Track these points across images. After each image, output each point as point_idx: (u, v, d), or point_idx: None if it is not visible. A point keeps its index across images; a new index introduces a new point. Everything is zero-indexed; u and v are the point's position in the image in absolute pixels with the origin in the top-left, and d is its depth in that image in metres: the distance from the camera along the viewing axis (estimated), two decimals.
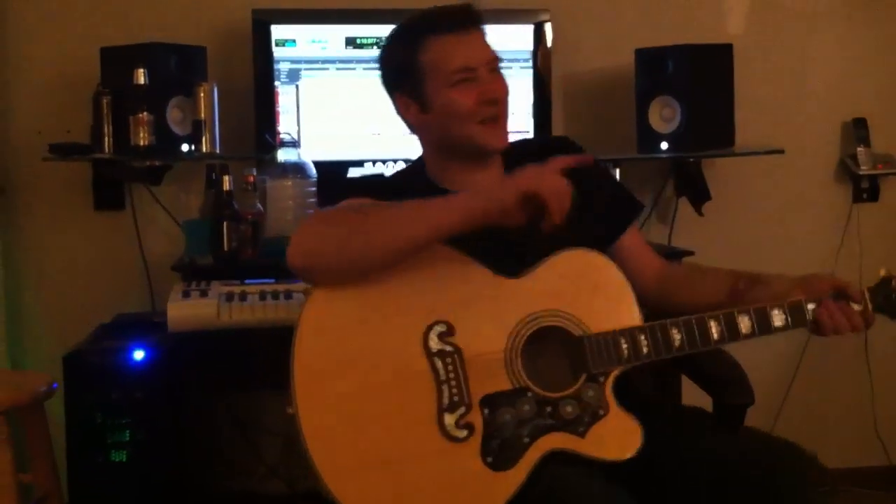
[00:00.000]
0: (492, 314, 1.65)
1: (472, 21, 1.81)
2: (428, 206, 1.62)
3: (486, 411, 1.61)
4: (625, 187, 2.05)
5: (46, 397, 2.36)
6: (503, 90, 1.81)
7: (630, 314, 1.69)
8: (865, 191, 3.29)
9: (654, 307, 1.82)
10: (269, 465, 3.02)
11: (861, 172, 3.23)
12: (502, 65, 1.82)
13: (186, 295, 2.36)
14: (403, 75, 1.82)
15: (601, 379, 1.65)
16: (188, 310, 2.32)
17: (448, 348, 1.62)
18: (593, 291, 1.69)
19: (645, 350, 1.66)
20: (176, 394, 2.43)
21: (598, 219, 1.86)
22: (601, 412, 1.64)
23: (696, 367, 1.95)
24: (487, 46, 1.82)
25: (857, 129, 3.24)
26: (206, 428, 2.82)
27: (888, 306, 1.79)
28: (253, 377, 2.66)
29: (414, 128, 1.87)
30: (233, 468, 2.99)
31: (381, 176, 1.92)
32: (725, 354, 1.93)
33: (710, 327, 1.68)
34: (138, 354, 2.37)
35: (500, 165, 1.86)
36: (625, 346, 1.66)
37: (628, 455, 1.61)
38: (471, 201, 1.60)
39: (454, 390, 1.61)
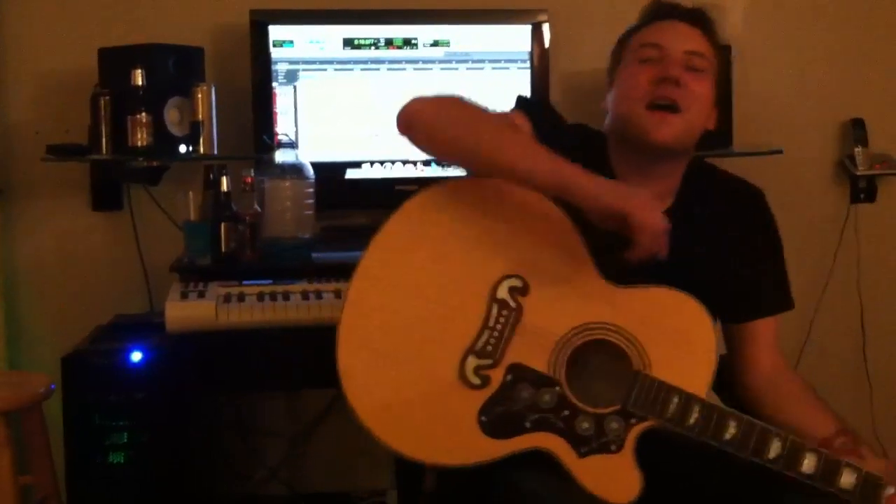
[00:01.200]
0: (570, 301, 1.60)
1: (692, 16, 1.76)
2: (530, 149, 1.57)
3: (509, 377, 1.58)
4: (786, 277, 1.90)
5: (45, 398, 2.36)
6: (688, 82, 1.69)
7: (698, 383, 1.58)
8: (863, 191, 3.29)
9: (743, 400, 1.76)
10: (269, 468, 3.02)
11: (859, 173, 3.23)
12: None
13: (185, 296, 2.36)
14: (613, 57, 1.82)
15: (633, 420, 1.57)
16: (186, 311, 2.32)
17: (512, 303, 1.59)
18: (677, 340, 1.60)
19: (692, 421, 1.55)
20: (174, 395, 2.42)
21: (743, 295, 1.80)
22: (613, 448, 1.56)
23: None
24: (694, 40, 1.73)
25: (855, 130, 3.24)
26: (205, 429, 2.81)
27: None
28: (252, 378, 2.66)
29: (606, 110, 1.80)
30: (232, 470, 2.98)
31: (574, 132, 1.82)
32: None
33: (770, 444, 1.55)
34: (136, 355, 2.37)
35: (676, 181, 1.78)
36: (675, 404, 1.56)
37: (607, 499, 1.54)
38: (566, 173, 1.53)
39: (492, 340, 1.58)
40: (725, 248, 1.77)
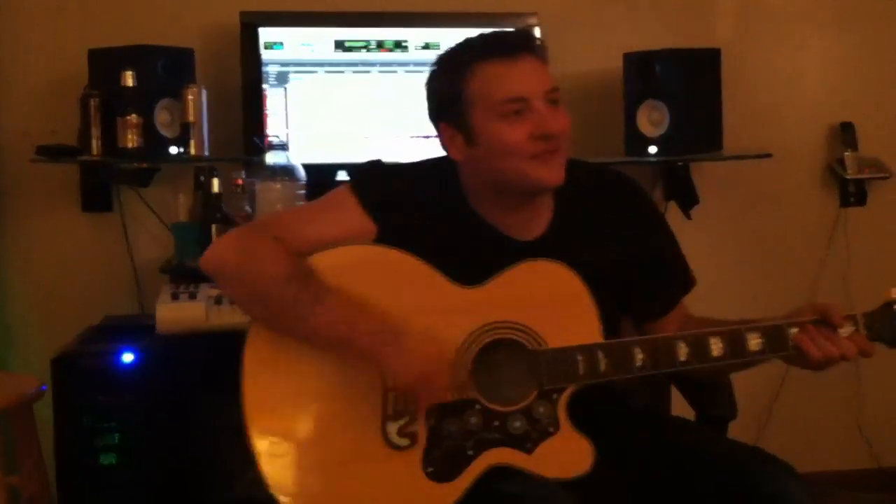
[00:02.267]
0: (444, 324, 1.59)
1: (525, 46, 1.65)
2: (329, 320, 1.56)
3: (431, 422, 1.59)
4: (682, 257, 1.85)
5: (35, 400, 2.35)
6: (561, 124, 1.64)
7: (591, 330, 1.62)
8: (853, 195, 3.30)
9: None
10: (257, 469, 3.01)
11: (848, 176, 3.24)
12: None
13: (175, 297, 2.36)
14: (449, 104, 1.67)
15: (554, 396, 1.60)
16: (177, 312, 2.32)
17: None
18: (554, 305, 1.62)
19: (602, 367, 1.59)
20: (165, 396, 2.42)
21: (649, 292, 1.79)
22: (551, 429, 1.60)
23: (681, 377, 1.91)
24: (544, 75, 1.65)
25: (845, 134, 3.25)
26: (194, 430, 2.80)
27: (887, 334, 1.63)
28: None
29: (459, 161, 1.71)
30: (222, 471, 2.97)
31: (420, 170, 1.77)
32: None
33: (677, 348, 1.61)
34: (127, 357, 2.36)
35: (549, 198, 1.74)
36: (581, 362, 1.59)
37: (573, 475, 1.57)
38: (374, 353, 1.56)
39: (399, 399, 1.59)
40: (614, 253, 1.75)
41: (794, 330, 1.61)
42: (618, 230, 1.76)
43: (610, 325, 1.68)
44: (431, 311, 1.60)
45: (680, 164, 3.05)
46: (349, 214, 1.70)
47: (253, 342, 1.63)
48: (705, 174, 3.16)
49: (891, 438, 3.32)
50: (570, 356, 1.60)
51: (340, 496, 1.58)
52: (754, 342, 1.61)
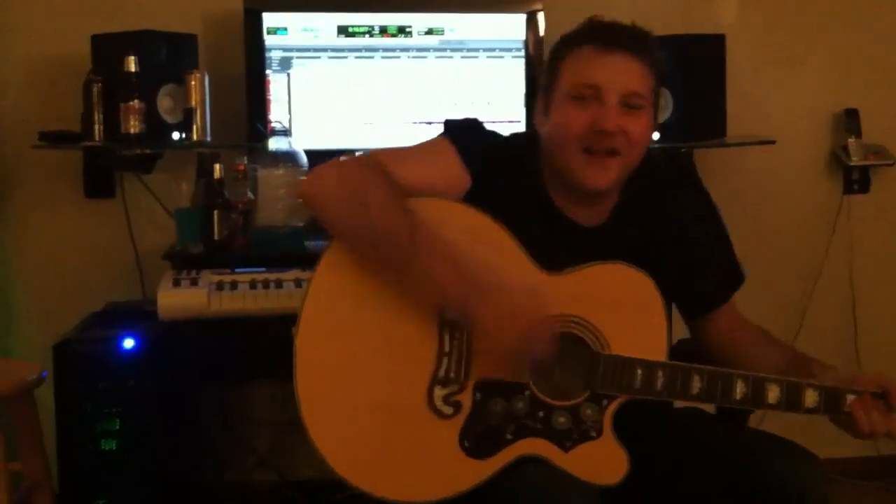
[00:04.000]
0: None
1: (627, 44, 1.66)
2: (435, 264, 1.54)
3: (478, 395, 1.58)
4: (733, 252, 1.86)
5: (36, 386, 2.36)
6: (625, 126, 1.63)
7: (657, 347, 1.61)
8: (856, 182, 3.30)
9: (710, 355, 1.77)
10: (259, 455, 3.02)
11: (852, 163, 3.23)
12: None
13: (177, 283, 2.36)
14: (548, 75, 1.72)
15: (605, 402, 1.59)
16: (178, 298, 2.32)
17: (463, 322, 1.58)
18: (627, 312, 1.61)
19: (659, 387, 1.59)
20: (166, 382, 2.42)
21: (699, 287, 1.79)
22: (593, 434, 1.59)
23: None
24: (632, 76, 1.65)
25: (849, 120, 3.24)
26: (196, 416, 2.81)
27: None
28: (243, 366, 2.66)
29: (541, 134, 1.74)
30: (223, 457, 2.99)
31: (503, 141, 1.77)
32: None
33: (735, 386, 1.60)
34: (128, 343, 2.36)
35: (614, 193, 1.74)
36: (640, 376, 1.59)
37: (602, 483, 1.57)
38: (465, 303, 1.53)
39: (453, 365, 1.58)
40: (672, 249, 1.76)
41: (852, 397, 1.60)
42: (675, 228, 1.77)
43: None
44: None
45: (683, 150, 3.04)
46: (449, 164, 1.69)
47: (326, 267, 1.61)
48: (709, 161, 3.15)
49: None
50: (631, 367, 1.59)
51: (372, 444, 1.57)
52: (811, 399, 1.60)
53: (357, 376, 1.58)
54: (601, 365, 1.59)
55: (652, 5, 3.16)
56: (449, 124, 1.77)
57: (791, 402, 1.60)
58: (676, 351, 1.67)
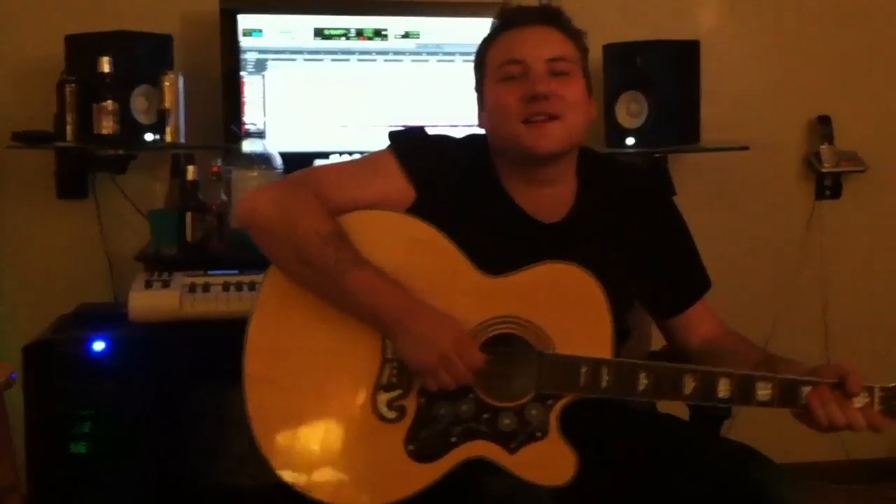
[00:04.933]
0: (457, 306, 1.59)
1: (539, 17, 1.72)
2: (362, 287, 1.56)
3: (422, 400, 1.59)
4: (699, 257, 1.87)
5: (6, 388, 2.33)
6: (557, 90, 1.65)
7: (602, 345, 1.60)
8: (829, 188, 3.32)
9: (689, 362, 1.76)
10: (235, 457, 3.01)
11: (824, 170, 3.26)
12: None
13: (149, 285, 2.34)
14: (477, 73, 1.77)
15: (550, 401, 1.59)
16: (150, 300, 2.30)
17: None
18: (569, 310, 1.61)
19: (604, 384, 1.57)
20: (137, 385, 2.41)
21: (663, 289, 1.80)
22: (539, 434, 1.58)
23: None
24: (552, 45, 1.69)
25: (822, 127, 3.27)
26: (168, 419, 2.79)
27: None
28: (216, 368, 2.64)
29: (486, 132, 1.76)
30: (197, 459, 2.97)
31: (453, 141, 1.78)
32: None
33: (684, 382, 1.58)
34: (99, 345, 2.34)
35: (572, 182, 1.76)
36: (584, 374, 1.57)
37: (550, 484, 1.56)
38: (386, 328, 1.57)
39: (395, 371, 1.59)
40: (632, 247, 1.77)
41: (807, 389, 1.57)
42: (636, 226, 1.78)
43: (623, 317, 1.68)
44: (448, 292, 1.60)
45: (658, 155, 3.05)
46: (391, 178, 1.70)
47: (266, 290, 1.64)
48: (683, 166, 3.17)
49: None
50: (574, 366, 1.58)
51: (319, 452, 1.59)
52: (763, 392, 1.57)
53: (304, 385, 1.60)
54: (544, 364, 1.59)
55: (628, 10, 3.18)
56: (393, 135, 1.77)
57: (743, 395, 1.57)
58: (654, 358, 1.68)
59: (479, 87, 1.77)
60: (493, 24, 1.77)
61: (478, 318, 1.61)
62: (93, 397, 2.32)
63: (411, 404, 1.59)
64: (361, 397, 1.59)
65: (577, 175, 1.77)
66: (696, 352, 1.82)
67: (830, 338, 3.29)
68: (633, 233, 1.77)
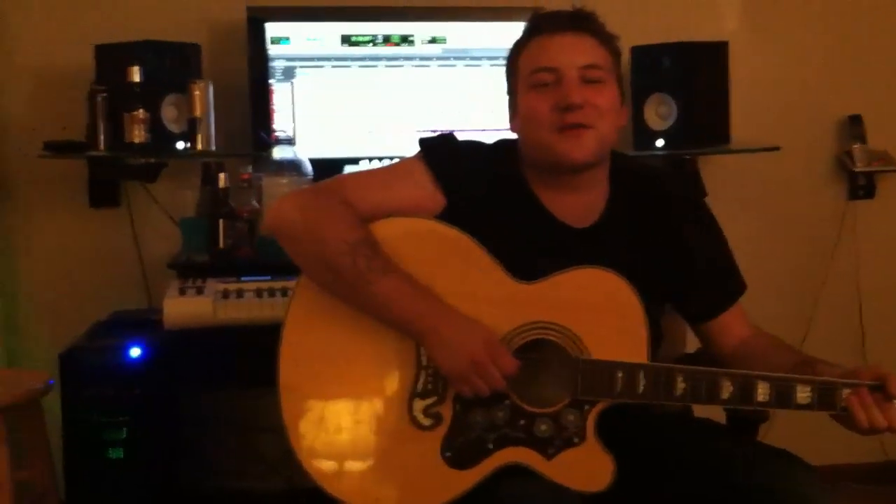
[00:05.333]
0: (490, 313, 1.58)
1: (572, 24, 1.69)
2: (392, 295, 1.57)
3: (457, 407, 1.58)
4: (733, 260, 1.86)
5: (43, 395, 2.36)
6: (590, 98, 1.64)
7: (637, 349, 1.59)
8: (861, 188, 3.29)
9: (723, 365, 1.72)
10: (268, 463, 3.01)
11: (857, 169, 3.24)
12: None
13: (182, 292, 2.36)
14: (508, 77, 1.76)
15: (586, 407, 1.58)
16: (184, 307, 2.32)
17: None
18: (604, 315, 1.60)
19: (641, 389, 1.56)
20: (173, 391, 2.42)
21: (696, 298, 1.79)
22: (576, 440, 1.58)
23: None
24: (586, 52, 1.67)
25: (853, 126, 3.24)
26: (203, 425, 2.81)
27: None
28: (250, 374, 2.65)
29: (518, 137, 1.76)
30: (231, 465, 2.98)
31: (483, 148, 1.77)
32: None
33: (721, 386, 1.56)
34: (135, 352, 2.36)
35: (603, 188, 1.75)
36: (621, 379, 1.57)
37: (587, 490, 1.55)
38: (427, 334, 1.56)
39: (430, 378, 1.59)
40: (665, 251, 1.75)
41: (847, 391, 1.55)
42: (668, 230, 1.76)
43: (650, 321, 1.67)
44: (480, 299, 1.59)
45: (687, 157, 3.04)
46: (421, 185, 1.70)
47: (298, 297, 1.64)
48: (713, 168, 3.15)
49: None
50: (611, 371, 1.57)
51: (356, 460, 1.59)
52: (803, 395, 1.55)
53: (339, 395, 1.61)
54: (580, 369, 1.58)
55: (654, 12, 3.17)
56: (423, 142, 1.76)
57: (782, 398, 1.55)
58: (689, 361, 1.66)
59: (511, 92, 1.77)
60: (525, 28, 1.75)
61: (511, 325, 1.60)
62: (128, 403, 2.34)
63: (447, 411, 1.59)
64: (397, 405, 1.59)
65: (609, 180, 1.77)
66: (730, 355, 1.80)
67: (867, 338, 3.26)
68: (666, 237, 1.76)
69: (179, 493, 2.46)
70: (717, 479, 1.59)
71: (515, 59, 1.74)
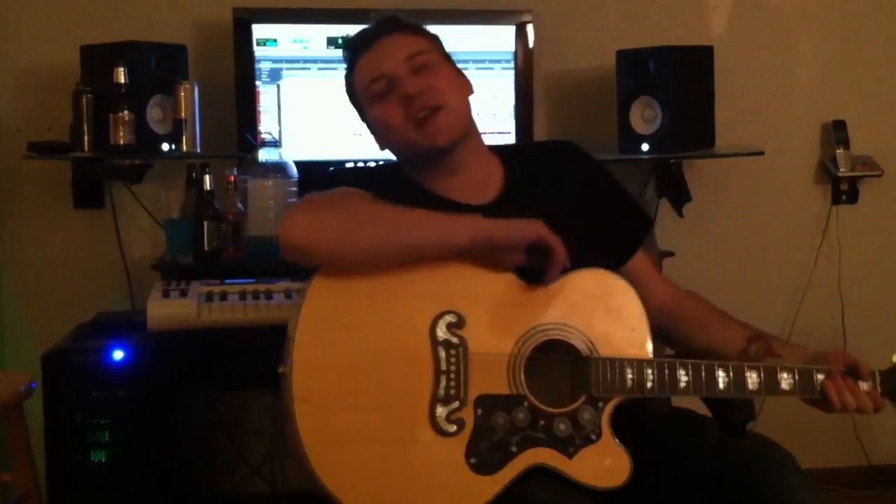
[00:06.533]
0: (505, 316, 1.60)
1: (380, 31, 1.76)
2: (439, 217, 1.59)
3: (479, 411, 1.57)
4: (634, 200, 1.94)
5: (25, 397, 2.35)
6: (420, 85, 1.70)
7: (641, 346, 1.65)
8: (845, 192, 3.31)
9: (658, 332, 1.77)
10: (251, 466, 3.01)
11: (840, 174, 3.25)
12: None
13: (166, 294, 2.36)
14: (355, 106, 1.83)
15: (600, 404, 1.60)
16: (168, 309, 2.32)
17: (454, 340, 1.58)
18: (609, 315, 1.64)
19: (649, 385, 1.62)
20: (156, 393, 2.41)
21: (610, 238, 1.81)
22: (593, 437, 1.59)
23: None
24: (402, 46, 1.73)
25: (837, 131, 3.26)
26: (186, 428, 2.81)
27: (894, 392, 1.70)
28: (234, 377, 2.66)
29: (391, 151, 1.82)
30: (215, 468, 2.98)
31: (365, 169, 1.86)
32: None
33: (718, 377, 1.64)
34: (118, 354, 2.35)
35: (491, 164, 1.80)
36: (630, 376, 1.61)
37: (608, 485, 1.57)
38: (484, 225, 1.58)
39: (452, 383, 1.57)
40: (572, 206, 1.78)
41: (821, 377, 1.66)
42: (567, 187, 1.81)
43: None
44: (491, 302, 1.61)
45: (672, 161, 3.05)
46: None
47: (309, 304, 1.59)
48: (698, 171, 3.17)
49: (881, 436, 3.33)
50: (622, 368, 1.61)
51: (380, 472, 1.55)
52: (786, 382, 1.65)
53: (357, 405, 1.56)
54: (591, 367, 1.61)
55: (641, 16, 3.18)
56: (332, 176, 1.83)
57: (769, 386, 1.65)
58: None
59: (363, 116, 1.82)
60: (344, 57, 1.81)
61: (526, 327, 1.61)
62: (112, 405, 2.33)
63: (469, 416, 1.57)
64: (420, 412, 1.56)
65: (499, 161, 1.82)
66: (668, 317, 1.83)
67: (849, 342, 3.27)
68: (569, 193, 1.80)
69: (163, 496, 2.45)
70: (707, 477, 1.61)
71: (351, 87, 1.80)
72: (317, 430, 1.54)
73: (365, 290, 1.60)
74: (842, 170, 3.24)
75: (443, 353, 1.58)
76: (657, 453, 1.66)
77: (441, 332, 1.58)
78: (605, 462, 1.59)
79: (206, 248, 2.55)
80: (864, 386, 1.67)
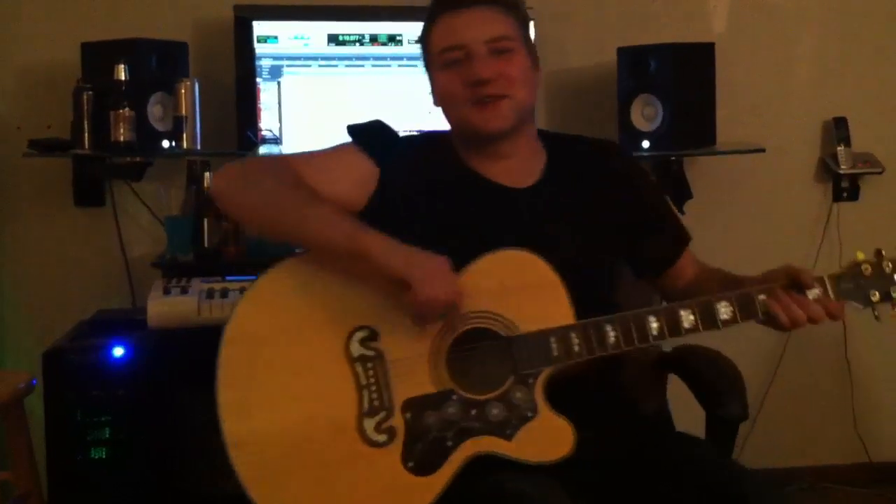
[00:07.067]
0: None
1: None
2: (334, 225, 1.57)
3: (408, 415, 1.57)
4: (675, 215, 1.93)
5: (25, 394, 2.35)
6: (494, 70, 1.68)
7: (562, 313, 1.60)
8: (846, 190, 3.31)
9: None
10: (234, 473, 3.00)
11: (841, 171, 3.25)
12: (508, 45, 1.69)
13: (167, 292, 2.36)
14: (423, 59, 1.80)
15: (531, 380, 1.59)
16: (168, 306, 2.32)
17: (369, 353, 1.58)
18: (522, 291, 1.61)
19: (577, 348, 1.59)
20: (156, 391, 2.42)
21: (642, 248, 1.81)
22: (529, 414, 1.58)
23: (692, 373, 1.95)
24: (490, 24, 1.71)
25: (838, 129, 3.25)
26: (185, 424, 2.80)
27: (856, 293, 1.69)
28: None
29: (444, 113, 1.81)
30: (212, 466, 2.97)
31: (413, 138, 1.84)
32: (727, 361, 1.92)
33: (649, 323, 1.60)
34: (118, 351, 2.36)
35: (537, 152, 1.80)
36: (555, 345, 1.59)
37: (556, 457, 1.55)
38: (367, 240, 1.54)
39: (374, 395, 1.57)
40: (613, 205, 1.78)
41: (762, 297, 1.62)
42: (606, 186, 1.80)
43: (606, 281, 1.73)
44: (400, 305, 1.57)
45: (673, 158, 3.04)
46: (352, 159, 1.75)
47: (230, 343, 1.61)
48: (699, 169, 3.16)
49: (882, 434, 3.33)
50: (544, 339, 1.59)
51: (323, 495, 1.56)
52: (725, 311, 1.62)
53: (290, 438, 1.57)
54: (515, 346, 1.59)
55: (642, 14, 3.18)
56: (351, 129, 1.81)
57: (707, 321, 1.61)
58: None
59: (428, 73, 1.80)
60: (430, 5, 1.78)
61: (439, 324, 1.59)
62: (112, 403, 2.34)
63: (399, 423, 1.57)
64: (349, 430, 1.57)
65: (545, 147, 1.82)
66: (684, 291, 1.83)
67: (849, 341, 3.27)
68: (610, 189, 1.79)
69: (163, 494, 2.45)
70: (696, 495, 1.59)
71: (426, 39, 1.78)
72: (255, 468, 1.57)
73: (275, 328, 1.61)
74: (843, 167, 3.24)
75: (360, 369, 1.59)
76: (649, 474, 1.66)
77: (355, 349, 1.59)
78: (546, 436, 1.58)
79: (206, 245, 2.55)
80: (812, 294, 1.63)
